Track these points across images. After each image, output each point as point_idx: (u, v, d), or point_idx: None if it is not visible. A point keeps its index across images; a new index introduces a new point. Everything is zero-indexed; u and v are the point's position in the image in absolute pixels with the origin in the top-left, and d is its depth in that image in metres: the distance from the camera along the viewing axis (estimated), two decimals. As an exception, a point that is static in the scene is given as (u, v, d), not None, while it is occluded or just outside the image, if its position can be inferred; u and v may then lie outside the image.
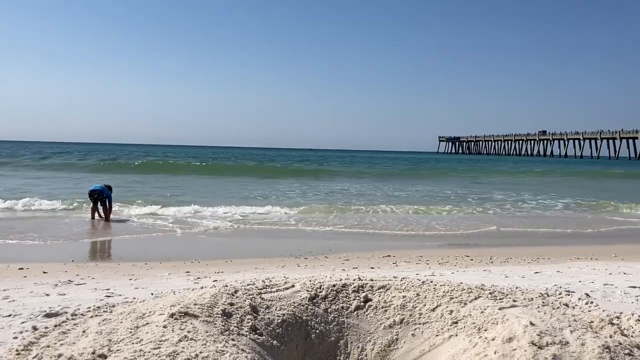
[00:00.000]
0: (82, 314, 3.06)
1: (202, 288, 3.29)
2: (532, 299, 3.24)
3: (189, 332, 2.51)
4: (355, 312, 3.17)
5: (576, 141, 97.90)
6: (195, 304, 2.82)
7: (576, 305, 3.51)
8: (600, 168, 48.17)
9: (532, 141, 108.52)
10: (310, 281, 3.37)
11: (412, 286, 3.31)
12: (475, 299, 3.11)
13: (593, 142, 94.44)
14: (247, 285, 3.25)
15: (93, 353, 2.31)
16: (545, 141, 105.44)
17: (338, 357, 3.01)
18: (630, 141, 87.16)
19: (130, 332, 2.54)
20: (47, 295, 4.39)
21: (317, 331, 3.03)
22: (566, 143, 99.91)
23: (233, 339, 2.58)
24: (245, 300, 2.98)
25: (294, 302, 3.13)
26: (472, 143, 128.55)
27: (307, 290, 3.25)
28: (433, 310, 3.07)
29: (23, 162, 33.41)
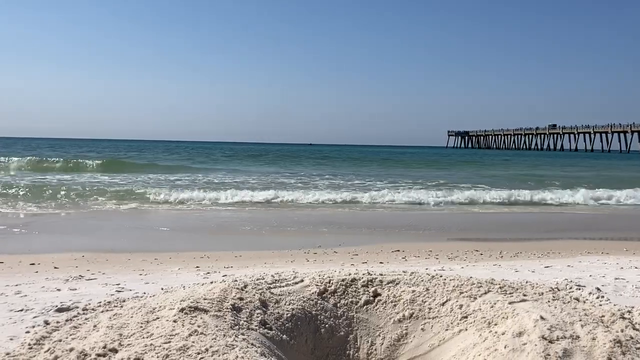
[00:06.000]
0: (93, 309, 3.08)
1: (211, 283, 3.30)
2: (542, 293, 3.22)
3: (199, 326, 2.52)
4: (364, 307, 3.17)
5: (586, 135, 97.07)
6: (205, 299, 2.84)
7: (587, 299, 3.49)
8: None
9: (542, 135, 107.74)
10: (319, 276, 3.38)
11: (422, 281, 3.30)
12: (485, 293, 3.10)
13: (604, 135, 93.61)
14: (257, 279, 3.26)
15: (104, 347, 2.33)
16: (555, 135, 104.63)
17: (347, 352, 3.01)
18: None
19: (141, 327, 2.56)
20: (59, 290, 4.43)
21: (327, 325, 3.04)
22: (576, 137, 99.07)
23: (243, 333, 2.59)
24: (254, 295, 2.99)
25: (303, 297, 3.13)
26: (482, 137, 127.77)
27: (317, 285, 3.25)
28: (442, 304, 3.06)
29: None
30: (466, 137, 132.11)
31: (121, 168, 25.20)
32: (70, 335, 2.60)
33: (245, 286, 3.09)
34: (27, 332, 2.99)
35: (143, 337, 2.43)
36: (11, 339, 2.91)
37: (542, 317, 2.62)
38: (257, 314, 2.84)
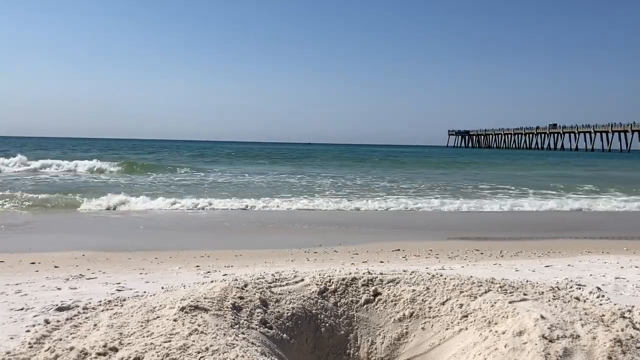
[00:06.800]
0: (93, 308, 3.08)
1: (212, 282, 3.30)
2: (542, 292, 3.22)
3: (199, 325, 2.52)
4: (364, 306, 3.17)
5: (587, 134, 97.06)
6: (205, 298, 2.84)
7: (587, 298, 3.49)
8: None
9: (543, 134, 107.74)
10: (319, 275, 3.38)
11: (422, 280, 3.30)
12: (486, 292, 3.10)
13: (604, 135, 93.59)
14: (257, 279, 3.26)
15: (104, 346, 2.33)
16: (555, 134, 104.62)
17: (348, 351, 3.01)
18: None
19: (141, 326, 2.56)
20: (59, 289, 4.43)
21: (327, 325, 3.04)
22: (577, 136, 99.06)
23: (243, 332, 2.59)
24: (255, 294, 2.99)
25: (303, 296, 3.13)
26: (482, 137, 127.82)
27: (317, 284, 3.25)
28: (443, 303, 3.06)
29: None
30: (467, 137, 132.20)
31: (125, 168, 25.08)
32: (71, 334, 2.60)
33: (246, 285, 3.09)
34: (28, 331, 2.99)
35: (143, 336, 2.43)
36: (11, 338, 2.91)
37: (542, 317, 2.62)
38: (258, 313, 2.84)
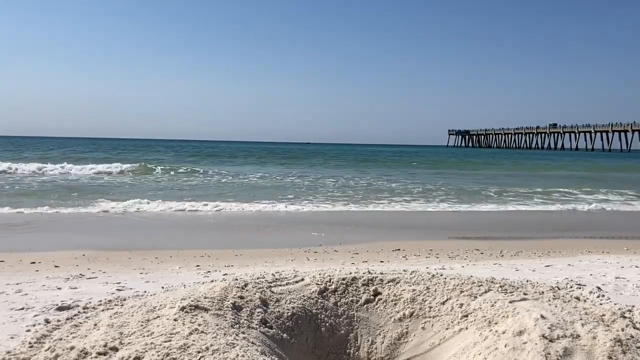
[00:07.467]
0: (93, 308, 3.08)
1: (212, 281, 3.30)
2: (542, 292, 3.22)
3: (199, 325, 2.52)
4: (365, 306, 3.17)
5: (587, 134, 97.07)
6: (205, 298, 2.84)
7: (587, 298, 3.48)
8: None
9: (543, 134, 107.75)
10: (319, 274, 3.38)
11: (422, 279, 3.30)
12: (486, 292, 3.10)
13: (604, 135, 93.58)
14: (257, 278, 3.26)
15: (105, 346, 2.33)
16: (555, 134, 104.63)
17: (348, 350, 3.01)
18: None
19: (141, 326, 2.56)
20: (59, 289, 4.43)
21: (327, 324, 3.04)
22: (577, 136, 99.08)
23: (243, 332, 2.59)
24: (255, 294, 3.00)
25: (303, 296, 3.13)
26: (482, 136, 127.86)
27: (317, 284, 3.25)
28: (443, 303, 3.06)
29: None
30: (467, 136, 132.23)
31: (127, 168, 24.99)
32: (71, 333, 2.60)
33: (246, 285, 3.09)
34: (28, 330, 2.99)
35: (143, 336, 2.43)
36: (12, 338, 2.91)
37: (542, 316, 2.62)
38: (258, 312, 2.84)
